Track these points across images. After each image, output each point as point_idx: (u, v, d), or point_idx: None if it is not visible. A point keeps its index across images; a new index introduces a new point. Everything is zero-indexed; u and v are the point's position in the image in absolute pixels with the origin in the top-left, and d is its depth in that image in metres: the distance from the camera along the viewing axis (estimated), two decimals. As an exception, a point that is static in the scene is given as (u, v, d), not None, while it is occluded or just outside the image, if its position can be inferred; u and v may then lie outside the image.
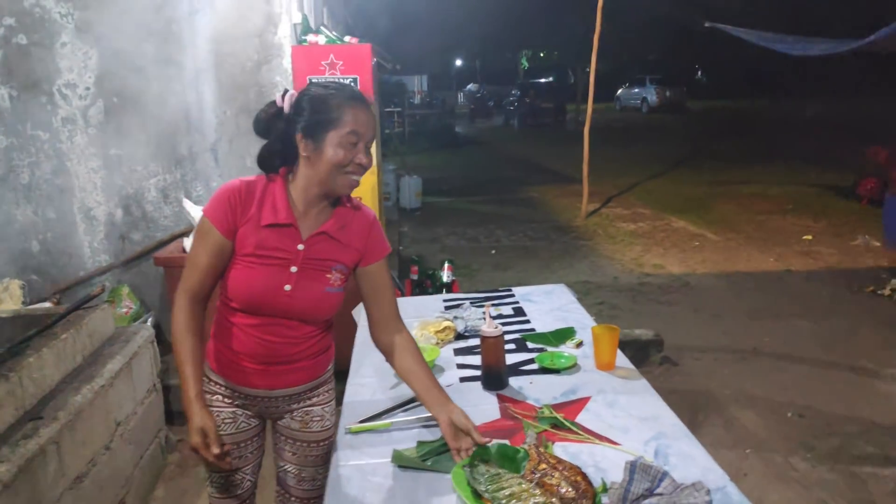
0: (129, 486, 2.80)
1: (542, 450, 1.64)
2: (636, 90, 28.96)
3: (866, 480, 2.95)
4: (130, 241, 4.07)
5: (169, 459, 3.29)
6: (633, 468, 1.50)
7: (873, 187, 7.98)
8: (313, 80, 1.84)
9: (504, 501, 1.47)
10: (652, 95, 27.61)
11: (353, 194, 1.81)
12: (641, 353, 4.19)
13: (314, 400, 1.95)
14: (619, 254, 7.03)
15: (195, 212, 3.70)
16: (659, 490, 1.47)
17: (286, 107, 1.74)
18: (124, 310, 3.76)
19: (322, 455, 1.98)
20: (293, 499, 2.01)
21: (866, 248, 6.75)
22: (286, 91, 1.78)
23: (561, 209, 9.51)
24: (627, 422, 1.89)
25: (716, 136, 17.34)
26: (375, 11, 10.77)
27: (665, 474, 1.49)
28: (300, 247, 1.73)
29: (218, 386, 1.88)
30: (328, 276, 1.76)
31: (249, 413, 1.91)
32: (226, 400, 1.88)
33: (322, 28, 4.15)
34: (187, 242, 3.74)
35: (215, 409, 1.86)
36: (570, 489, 1.47)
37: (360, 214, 1.85)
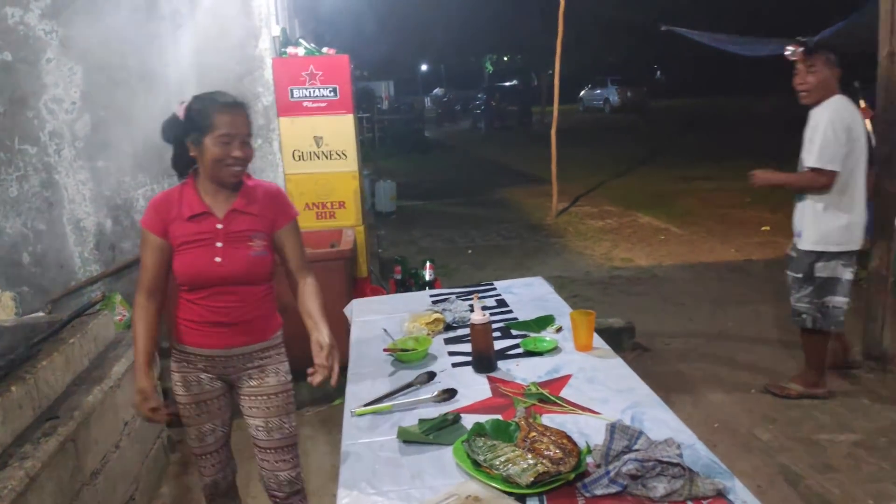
0: (137, 482, 2.93)
1: (531, 420, 1.84)
2: (598, 91, 29.54)
3: (825, 447, 3.22)
4: (120, 250, 4.18)
5: (171, 459, 3.42)
6: (613, 429, 1.71)
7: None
8: (196, 95, 2.17)
9: (500, 465, 1.66)
10: (614, 96, 28.19)
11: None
12: (614, 340, 4.41)
13: (265, 360, 2.32)
14: (590, 249, 7.30)
15: (184, 220, 3.83)
16: (636, 446, 1.67)
17: (180, 115, 2.16)
18: (118, 317, 3.86)
19: (282, 406, 2.34)
20: (269, 451, 2.35)
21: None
22: (183, 102, 2.18)
23: (532, 209, 9.77)
24: (606, 394, 2.10)
25: (677, 134, 17.84)
26: (341, 19, 10.91)
27: (641, 433, 1.70)
28: (219, 226, 2.15)
29: (185, 354, 2.27)
30: (250, 243, 2.17)
31: (212, 376, 2.29)
32: (191, 366, 2.27)
33: (300, 40, 4.32)
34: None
35: (184, 373, 2.27)
36: (557, 450, 1.67)
37: (263, 188, 2.25)
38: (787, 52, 3.49)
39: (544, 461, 1.64)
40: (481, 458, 1.70)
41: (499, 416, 1.95)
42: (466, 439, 1.79)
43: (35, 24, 3.88)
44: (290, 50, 4.16)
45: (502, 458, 1.68)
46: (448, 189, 12.01)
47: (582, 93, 30.95)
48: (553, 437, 1.72)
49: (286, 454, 2.36)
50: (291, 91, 4.14)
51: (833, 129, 3.30)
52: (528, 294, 3.20)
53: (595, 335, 2.51)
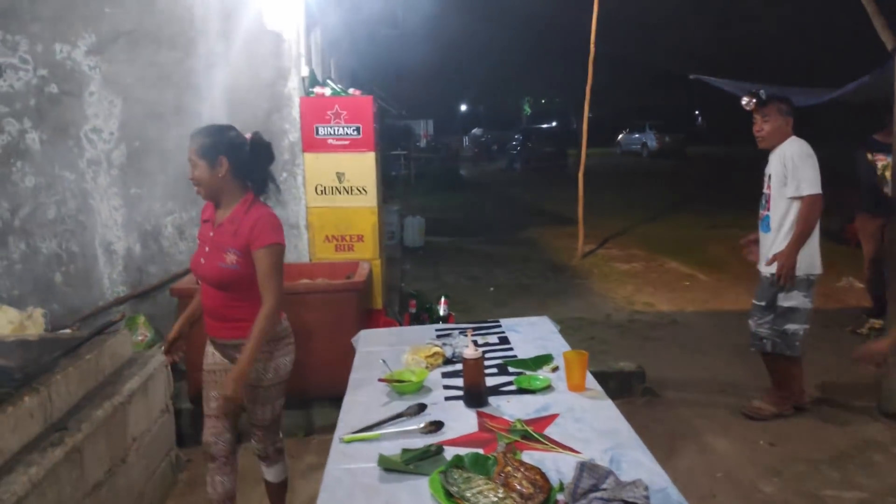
0: (142, 498, 3.02)
1: (509, 456, 1.88)
2: (636, 135, 29.54)
3: (828, 503, 3.15)
4: (147, 273, 4.37)
5: (179, 478, 3.51)
6: (583, 467, 1.74)
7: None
8: None
9: (471, 497, 1.70)
10: (652, 141, 28.14)
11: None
12: (624, 385, 4.42)
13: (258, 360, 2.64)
14: (612, 292, 7.28)
15: (207, 247, 4.00)
16: (603, 486, 1.71)
17: None
18: (140, 337, 4.02)
19: (265, 395, 2.76)
20: (254, 428, 2.86)
21: (850, 288, 6.97)
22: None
23: (558, 249, 9.80)
24: (589, 434, 2.13)
25: (712, 181, 17.71)
26: (382, 59, 11.26)
27: (609, 473, 1.73)
28: (211, 234, 2.61)
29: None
30: (224, 255, 2.55)
31: (219, 354, 2.76)
32: (210, 343, 2.79)
33: (328, 81, 4.52)
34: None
35: (208, 346, 2.81)
36: (528, 486, 1.71)
37: (251, 213, 2.58)
38: (743, 103, 3.84)
39: (514, 495, 1.68)
40: (454, 489, 1.75)
41: (480, 450, 2.00)
42: (443, 470, 1.84)
43: (81, 60, 4.15)
44: (318, 90, 4.35)
45: (475, 490, 1.72)
46: (477, 227, 12.12)
47: (620, 136, 31.01)
48: (527, 473, 1.76)
49: (257, 432, 2.87)
50: (317, 129, 4.32)
51: (805, 157, 3.70)
52: (531, 333, 3.24)
53: (589, 376, 2.54)
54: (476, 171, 24.80)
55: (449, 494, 1.75)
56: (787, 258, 3.71)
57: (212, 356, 2.78)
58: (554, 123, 33.05)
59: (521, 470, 1.78)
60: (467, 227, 12.05)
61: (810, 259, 3.76)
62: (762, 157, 4.02)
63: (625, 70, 22.42)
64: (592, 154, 14.25)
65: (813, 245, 3.76)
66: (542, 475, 1.77)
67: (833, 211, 9.61)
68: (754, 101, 3.77)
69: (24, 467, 2.21)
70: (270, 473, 2.96)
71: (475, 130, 36.60)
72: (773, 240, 3.82)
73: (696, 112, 36.83)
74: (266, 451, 2.91)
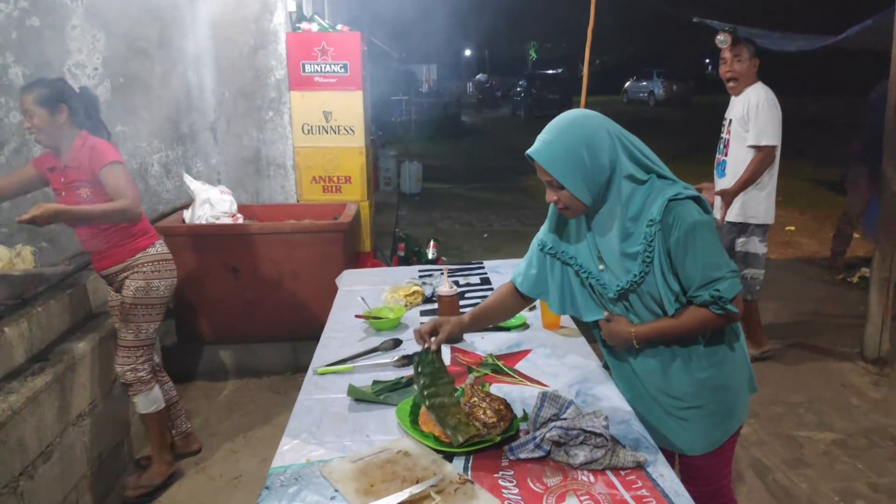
0: (127, 428, 3.09)
1: (476, 388, 1.90)
2: (644, 83, 29.04)
3: (802, 443, 3.21)
4: (133, 212, 4.35)
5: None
6: (544, 397, 1.76)
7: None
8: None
9: (429, 402, 1.76)
10: (659, 89, 27.69)
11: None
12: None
13: (127, 275, 2.85)
14: (607, 240, 7.26)
15: (195, 186, 3.98)
16: (564, 415, 1.73)
17: None
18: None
19: (129, 314, 2.85)
20: (120, 348, 2.87)
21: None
22: None
23: (556, 197, 9.74)
24: (559, 369, 2.15)
25: (717, 130, 17.45)
26: (383, 1, 10.99)
27: (570, 403, 1.75)
28: (62, 179, 2.76)
29: None
30: (78, 192, 2.71)
31: (111, 289, 2.98)
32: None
33: (315, 17, 4.41)
34: (187, 214, 4.02)
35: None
36: (492, 415, 1.73)
37: (86, 145, 2.72)
38: (717, 40, 3.73)
39: (477, 424, 1.71)
40: (421, 381, 1.83)
41: None
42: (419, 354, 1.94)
43: (62, -9, 4.05)
44: (304, 26, 4.26)
45: (437, 401, 1.78)
46: (476, 174, 12.04)
47: (627, 84, 30.49)
48: (493, 404, 1.79)
49: (121, 352, 2.86)
50: (303, 66, 4.24)
51: (770, 107, 3.63)
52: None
53: (564, 315, 2.55)
54: (479, 118, 24.52)
55: (414, 422, 1.79)
56: (730, 197, 3.69)
57: (110, 293, 3.01)
58: (560, 70, 32.44)
59: (487, 400, 1.80)
60: (466, 174, 11.98)
61: (767, 207, 3.75)
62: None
63: (632, 15, 21.88)
64: (597, 102, 13.99)
65: (770, 194, 3.75)
66: (507, 405, 1.79)
67: (832, 160, 9.54)
68: (731, 37, 3.67)
69: (4, 395, 2.25)
70: (138, 404, 2.92)
71: (479, 76, 36.06)
72: (729, 185, 3.76)
73: (707, 60, 36.08)
74: (126, 377, 2.86)
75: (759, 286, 3.89)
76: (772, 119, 3.62)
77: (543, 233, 1.95)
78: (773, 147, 3.64)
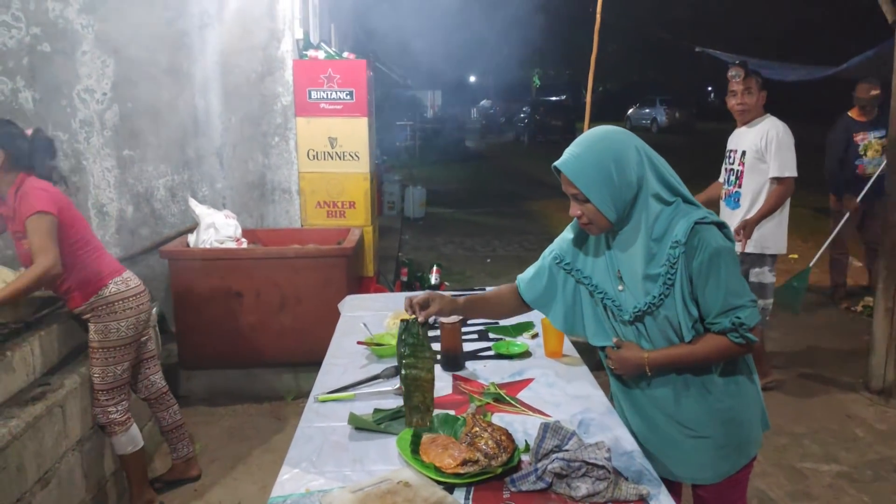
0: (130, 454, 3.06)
1: (478, 417, 1.89)
2: (646, 110, 29.21)
3: (807, 475, 3.17)
4: (139, 236, 4.38)
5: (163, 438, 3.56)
6: (546, 428, 1.75)
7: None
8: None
9: (405, 372, 1.79)
10: (662, 116, 27.84)
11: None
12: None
13: (88, 318, 2.76)
14: (610, 266, 7.25)
15: (200, 210, 4.01)
16: (567, 447, 1.72)
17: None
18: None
19: (92, 357, 2.75)
20: (93, 391, 2.78)
21: (848, 266, 6.92)
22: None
23: (558, 222, 9.77)
24: (561, 399, 2.14)
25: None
26: (390, 29, 11.12)
27: (573, 434, 1.74)
28: (9, 226, 2.67)
29: None
30: (23, 242, 2.60)
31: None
32: None
33: (322, 44, 4.47)
34: (192, 238, 4.04)
35: None
36: (493, 445, 1.72)
37: (20, 193, 2.58)
38: (730, 74, 3.79)
39: (478, 455, 1.70)
40: (403, 350, 1.82)
41: (451, 412, 2.01)
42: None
43: (73, 18, 4.12)
44: (311, 53, 4.31)
45: (416, 370, 1.80)
46: (479, 199, 12.09)
47: (630, 111, 30.67)
48: (494, 434, 1.78)
49: (94, 395, 2.78)
50: (309, 92, 4.29)
51: (788, 139, 3.68)
52: (516, 301, 3.23)
53: (567, 343, 2.55)
54: (483, 143, 24.66)
55: (415, 452, 1.77)
56: (751, 228, 3.72)
57: None
58: (563, 96, 32.68)
59: (488, 430, 1.79)
60: (469, 199, 12.03)
61: (780, 237, 3.80)
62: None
63: (635, 44, 22.12)
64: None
65: (783, 225, 3.81)
66: (508, 436, 1.78)
67: (818, 188, 9.50)
68: (743, 71, 3.72)
69: (4, 420, 2.24)
70: (115, 445, 2.86)
71: (483, 102, 36.32)
72: (743, 217, 3.79)
73: (709, 88, 36.33)
74: (99, 420, 2.80)
75: (768, 316, 3.90)
76: (790, 150, 3.68)
77: (560, 246, 1.92)
78: (794, 179, 3.70)
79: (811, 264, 5.11)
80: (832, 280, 6.00)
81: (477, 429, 1.82)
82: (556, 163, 1.71)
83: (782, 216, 3.78)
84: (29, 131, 2.70)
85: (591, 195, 1.66)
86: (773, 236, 3.76)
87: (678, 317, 1.69)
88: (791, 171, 3.66)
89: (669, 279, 1.65)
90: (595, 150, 1.67)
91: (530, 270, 1.99)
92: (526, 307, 2.05)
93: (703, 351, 1.71)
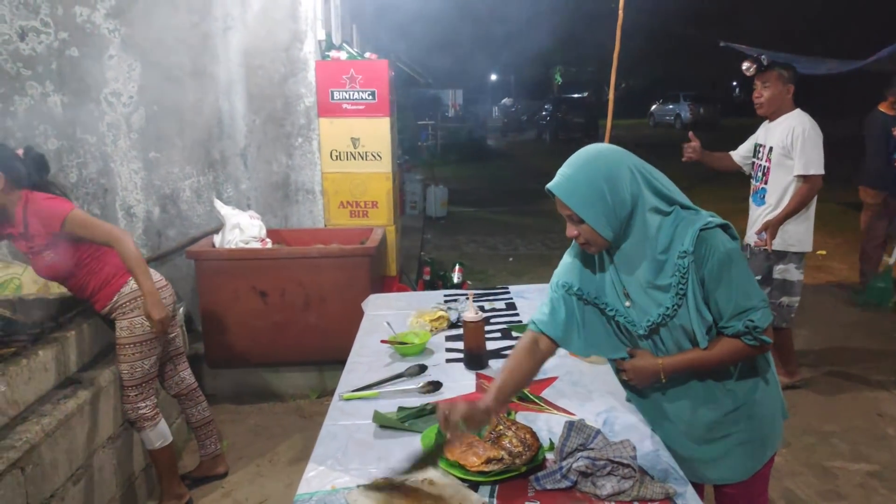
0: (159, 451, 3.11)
1: (502, 416, 1.89)
2: (670, 107, 28.91)
3: (836, 475, 3.12)
4: (166, 236, 4.44)
5: (191, 435, 3.61)
6: (571, 426, 1.75)
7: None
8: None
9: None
10: (685, 112, 27.51)
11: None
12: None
13: (115, 316, 2.79)
14: (633, 264, 7.20)
15: (225, 211, 4.05)
16: (592, 445, 1.71)
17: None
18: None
19: (120, 353, 2.78)
20: (121, 387, 2.82)
21: (882, 264, 6.80)
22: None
23: (581, 221, 9.71)
24: (585, 397, 2.13)
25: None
26: (411, 28, 11.14)
27: (598, 433, 1.73)
28: (23, 243, 2.66)
29: None
30: (42, 256, 2.64)
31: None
32: None
33: (344, 45, 4.49)
34: (217, 239, 4.09)
35: None
36: (518, 444, 1.72)
37: (28, 209, 2.61)
38: (743, 68, 3.74)
39: (503, 453, 1.70)
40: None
41: None
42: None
43: (100, 23, 4.19)
44: (333, 54, 4.34)
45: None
46: (501, 197, 12.07)
47: (653, 107, 30.39)
48: (518, 432, 1.78)
49: (123, 391, 2.82)
50: (332, 93, 4.32)
51: (816, 136, 3.61)
52: (539, 299, 3.21)
53: (591, 341, 2.53)
54: (504, 142, 24.61)
55: (442, 451, 1.78)
56: (775, 227, 3.68)
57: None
58: (585, 93, 32.50)
59: (513, 429, 1.79)
60: (491, 198, 12.02)
61: (806, 235, 3.75)
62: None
63: (659, 39, 21.93)
64: (623, 125, 13.89)
65: (809, 223, 3.75)
66: (533, 434, 1.78)
67: (846, 183, 9.31)
68: (754, 66, 3.66)
69: (37, 417, 2.29)
70: (145, 440, 2.90)
71: (505, 100, 36.24)
72: (771, 214, 3.74)
73: (734, 83, 35.85)
74: (128, 416, 2.85)
75: (794, 314, 3.84)
76: (816, 147, 3.60)
77: (565, 275, 1.86)
78: (821, 176, 3.62)
79: (892, 261, 5.08)
80: (862, 271, 5.89)
81: (501, 427, 1.82)
82: (549, 185, 1.70)
83: (808, 213, 3.72)
84: (20, 151, 2.72)
85: (585, 215, 1.65)
86: (797, 233, 3.70)
87: (692, 324, 1.68)
88: (817, 168, 3.59)
89: (681, 289, 1.65)
90: (586, 170, 1.66)
91: (544, 310, 1.88)
92: (549, 353, 1.90)
93: (717, 354, 1.70)
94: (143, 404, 2.82)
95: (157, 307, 2.69)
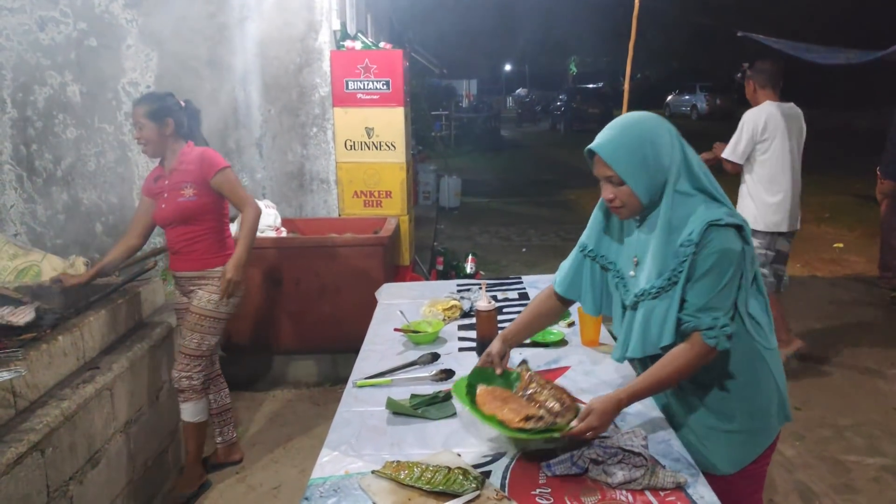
0: (173, 436, 3.17)
1: (533, 373, 1.87)
2: (686, 97, 28.65)
3: (850, 468, 3.11)
4: (181, 225, 4.48)
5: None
6: (582, 415, 1.75)
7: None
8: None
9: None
10: (702, 103, 27.27)
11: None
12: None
13: (201, 284, 2.98)
14: (647, 256, 7.17)
15: (239, 200, 4.09)
16: (603, 433, 1.72)
17: None
18: (173, 286, 4.15)
19: (191, 323, 2.96)
20: (180, 354, 3.00)
21: (897, 257, 6.72)
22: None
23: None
24: (598, 386, 2.14)
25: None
26: (425, 18, 11.12)
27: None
28: (167, 182, 2.93)
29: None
30: (182, 191, 2.88)
31: (178, 292, 3.12)
32: (175, 284, 3.13)
33: (359, 35, 4.50)
34: (233, 228, 4.12)
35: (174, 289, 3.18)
36: (556, 403, 1.71)
37: (194, 152, 2.93)
38: (738, 77, 4.24)
39: (542, 412, 1.68)
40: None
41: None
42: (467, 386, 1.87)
43: (118, 13, 4.23)
44: (348, 44, 4.34)
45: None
46: (514, 188, 12.05)
47: (669, 98, 30.13)
48: (553, 392, 1.76)
49: (181, 358, 2.98)
50: (347, 83, 4.33)
51: (742, 130, 3.99)
52: (551, 289, 3.23)
53: (603, 331, 2.54)
54: (518, 132, 24.52)
55: (472, 400, 1.78)
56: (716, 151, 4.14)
57: (177, 296, 3.13)
58: (601, 84, 32.27)
59: (547, 388, 1.76)
60: (505, 188, 12.00)
61: (760, 216, 4.03)
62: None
63: (675, 29, 21.72)
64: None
65: (757, 202, 4.04)
66: (568, 394, 1.75)
67: (861, 175, 9.21)
68: (739, 76, 4.17)
69: (56, 401, 2.33)
70: (185, 411, 3.04)
71: (519, 90, 36.09)
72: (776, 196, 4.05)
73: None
74: (181, 383, 2.98)
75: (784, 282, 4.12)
76: (737, 140, 4.01)
77: (588, 234, 1.94)
78: (728, 162, 4.06)
79: None
80: (882, 260, 5.81)
81: (534, 384, 1.80)
82: (591, 145, 1.69)
83: (751, 191, 4.03)
84: (182, 102, 2.99)
85: (627, 177, 1.65)
86: (750, 214, 3.98)
87: (668, 311, 1.64)
88: (727, 154, 4.01)
89: (675, 276, 1.62)
90: (631, 132, 1.66)
91: (564, 265, 2.01)
92: (564, 305, 2.06)
93: (672, 370, 1.66)
94: (198, 376, 2.98)
95: (238, 270, 2.87)
